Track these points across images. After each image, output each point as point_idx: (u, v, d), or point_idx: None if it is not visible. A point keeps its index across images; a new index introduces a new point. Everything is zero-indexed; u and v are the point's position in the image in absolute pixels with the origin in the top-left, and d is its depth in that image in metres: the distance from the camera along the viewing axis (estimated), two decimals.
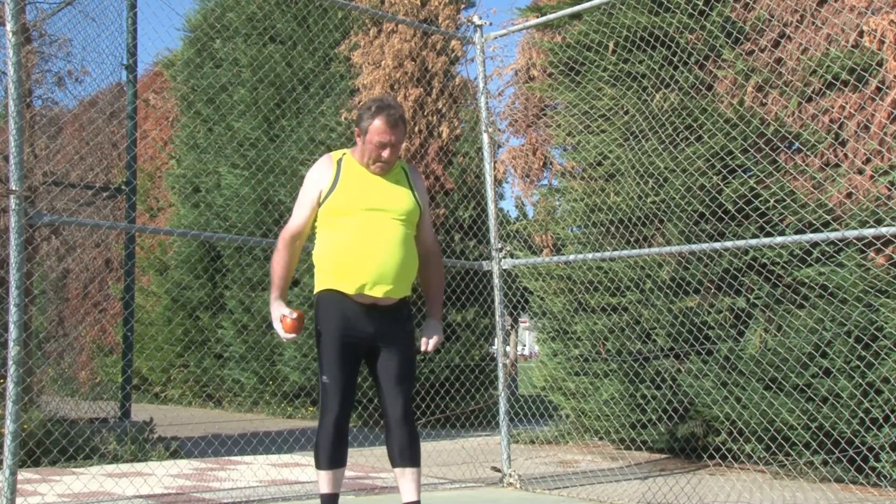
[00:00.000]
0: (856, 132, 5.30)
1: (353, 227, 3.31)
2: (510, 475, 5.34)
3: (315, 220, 3.43)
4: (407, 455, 3.32)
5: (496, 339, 6.70)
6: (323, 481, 3.32)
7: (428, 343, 3.48)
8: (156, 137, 13.17)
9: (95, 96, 7.23)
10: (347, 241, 3.31)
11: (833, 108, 5.39)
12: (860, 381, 5.03)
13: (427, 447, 6.31)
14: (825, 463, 5.31)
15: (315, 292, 3.41)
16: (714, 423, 6.00)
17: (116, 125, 7.36)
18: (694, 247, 5.04)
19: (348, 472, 5.73)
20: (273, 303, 3.40)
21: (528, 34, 8.00)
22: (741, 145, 5.78)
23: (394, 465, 3.36)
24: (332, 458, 3.30)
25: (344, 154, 3.48)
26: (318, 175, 3.41)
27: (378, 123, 3.32)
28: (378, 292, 3.29)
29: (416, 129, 9.20)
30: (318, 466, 3.32)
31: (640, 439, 6.44)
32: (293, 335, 3.35)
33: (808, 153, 5.54)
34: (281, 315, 3.35)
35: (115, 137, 7.46)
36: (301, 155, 9.70)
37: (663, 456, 6.49)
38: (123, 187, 6.99)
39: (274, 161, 9.90)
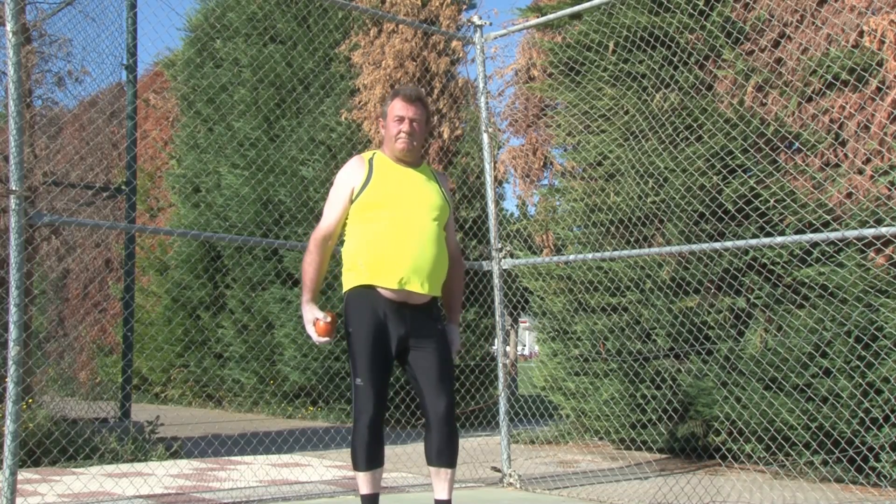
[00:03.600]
0: (856, 132, 5.30)
1: (389, 219, 3.30)
2: (510, 475, 5.34)
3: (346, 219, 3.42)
4: (445, 455, 3.32)
5: (496, 339, 6.70)
6: (362, 482, 3.31)
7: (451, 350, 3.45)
8: (156, 137, 13.17)
9: (95, 96, 7.22)
10: (384, 232, 3.28)
11: (833, 108, 5.39)
12: (860, 381, 5.03)
13: None
14: (825, 463, 5.31)
15: (344, 291, 3.37)
16: (714, 423, 6.00)
17: (116, 125, 7.36)
18: (694, 247, 5.04)
19: (348, 472, 5.72)
20: (305, 305, 3.38)
21: (528, 34, 8.00)
22: (741, 145, 5.78)
23: (430, 463, 3.35)
24: (370, 458, 3.28)
25: (374, 153, 3.49)
26: (349, 173, 3.42)
27: (395, 101, 3.42)
28: (416, 286, 3.27)
29: None
30: (356, 468, 3.30)
31: (641, 439, 6.44)
32: (326, 338, 3.32)
33: (808, 153, 5.54)
34: (314, 318, 3.33)
35: (115, 137, 7.46)
36: (301, 155, 9.70)
37: (663, 456, 6.49)
38: (123, 187, 6.99)
39: (274, 161, 9.90)
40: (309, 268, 3.39)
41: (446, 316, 3.58)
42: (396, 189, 3.36)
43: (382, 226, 3.29)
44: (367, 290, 3.30)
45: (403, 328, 3.29)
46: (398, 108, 3.41)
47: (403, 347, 3.32)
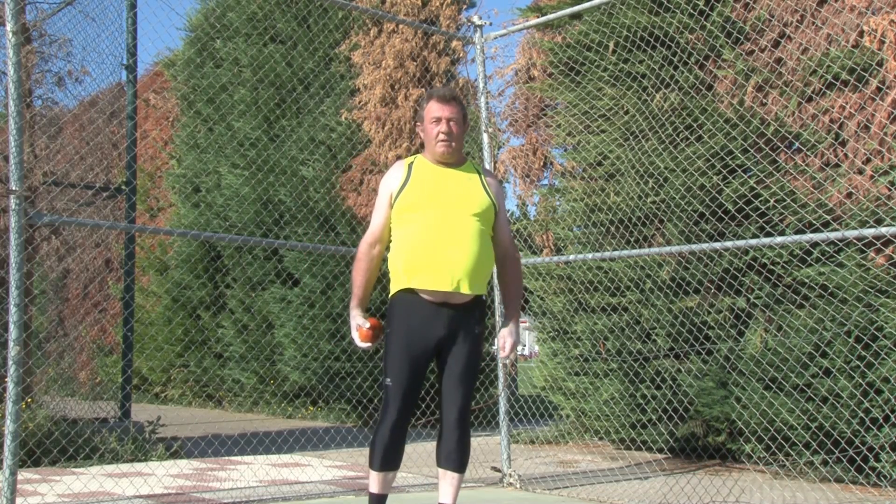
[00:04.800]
0: (856, 132, 5.30)
1: (424, 221, 3.29)
2: (510, 475, 5.34)
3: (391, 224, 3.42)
4: (453, 459, 3.32)
5: (496, 339, 6.69)
6: (373, 481, 3.32)
7: (506, 347, 3.43)
8: (156, 137, 13.17)
9: (95, 96, 7.22)
10: (419, 234, 3.28)
11: (833, 108, 5.39)
12: (860, 381, 5.03)
13: (427, 447, 6.32)
14: (825, 463, 5.31)
15: (390, 295, 3.39)
16: (714, 423, 6.00)
17: (116, 125, 7.36)
18: (694, 247, 5.04)
19: (348, 472, 5.73)
20: (352, 311, 3.40)
21: (528, 34, 8.00)
22: (741, 145, 5.77)
23: (439, 464, 3.35)
24: (386, 460, 3.29)
25: (416, 157, 3.49)
26: (388, 179, 3.43)
27: (431, 104, 3.41)
28: (447, 286, 3.24)
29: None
30: (371, 466, 3.31)
31: (640, 439, 6.44)
32: (369, 344, 3.35)
33: (808, 153, 5.54)
34: (357, 324, 3.35)
35: (115, 137, 7.46)
36: (301, 155, 9.70)
37: (663, 456, 6.49)
38: (123, 187, 6.99)
39: (274, 161, 9.90)
40: (356, 275, 3.42)
41: (504, 314, 3.56)
42: (433, 190, 3.36)
43: (417, 227, 3.29)
44: (409, 294, 3.31)
45: (443, 330, 3.29)
46: (434, 109, 3.39)
47: (441, 348, 3.32)
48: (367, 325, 3.33)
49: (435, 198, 3.33)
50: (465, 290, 3.27)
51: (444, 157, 3.41)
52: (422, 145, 3.53)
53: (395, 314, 3.33)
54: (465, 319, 3.32)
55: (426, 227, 3.28)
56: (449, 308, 3.29)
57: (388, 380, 3.27)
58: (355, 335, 3.37)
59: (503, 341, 3.43)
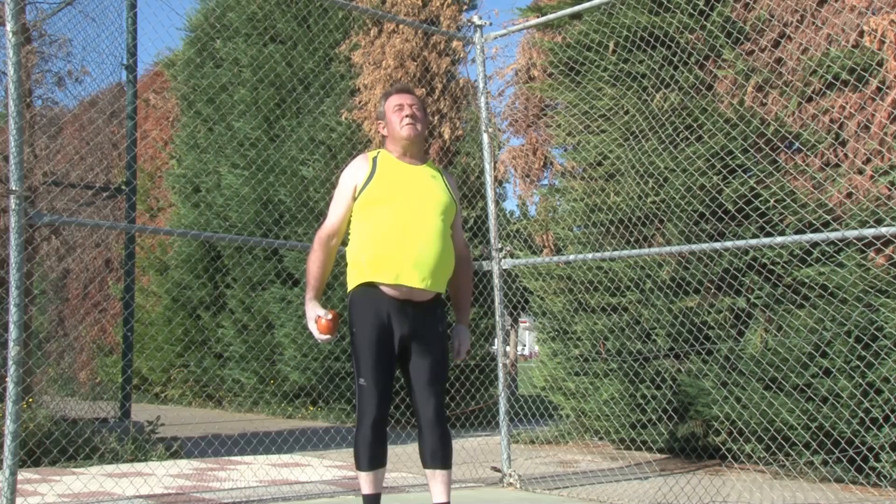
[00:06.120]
0: (856, 132, 5.30)
1: (391, 215, 3.29)
2: (510, 475, 5.34)
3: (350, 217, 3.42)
4: (438, 457, 3.31)
5: (496, 339, 6.70)
6: (364, 482, 3.31)
7: (460, 351, 3.45)
8: (156, 137, 13.17)
9: (95, 96, 7.22)
10: (387, 228, 3.28)
11: (833, 108, 5.39)
12: (860, 381, 5.03)
13: None
14: (825, 463, 5.31)
15: (349, 290, 3.37)
16: (714, 423, 6.00)
17: (116, 125, 7.35)
18: (694, 247, 5.04)
19: (348, 472, 5.73)
20: (308, 303, 3.38)
21: (528, 34, 8.00)
22: (741, 145, 5.77)
23: (425, 466, 3.35)
24: (372, 459, 3.28)
25: (379, 151, 3.50)
26: (353, 171, 3.43)
27: (390, 98, 3.50)
28: (416, 282, 3.24)
29: None
30: (359, 468, 3.30)
31: (641, 439, 6.44)
32: (328, 336, 3.32)
33: (808, 153, 5.54)
34: (316, 316, 3.33)
35: (115, 137, 7.46)
36: (301, 155, 9.70)
37: (663, 456, 6.49)
38: (123, 187, 6.99)
39: (274, 161, 9.90)
40: (312, 266, 3.39)
41: (454, 317, 3.57)
42: (399, 185, 3.36)
43: (384, 221, 3.29)
44: (370, 289, 3.29)
45: (406, 327, 3.28)
46: (394, 99, 3.47)
47: (403, 346, 3.31)
48: (329, 315, 3.30)
49: (401, 193, 3.34)
50: (430, 286, 3.28)
51: (410, 139, 3.43)
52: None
53: (357, 311, 3.30)
54: (429, 318, 3.33)
55: (392, 223, 3.28)
56: (411, 305, 3.29)
57: (362, 380, 3.25)
58: (313, 327, 3.34)
59: (458, 343, 3.45)
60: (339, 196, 3.43)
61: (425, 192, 3.38)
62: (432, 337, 3.34)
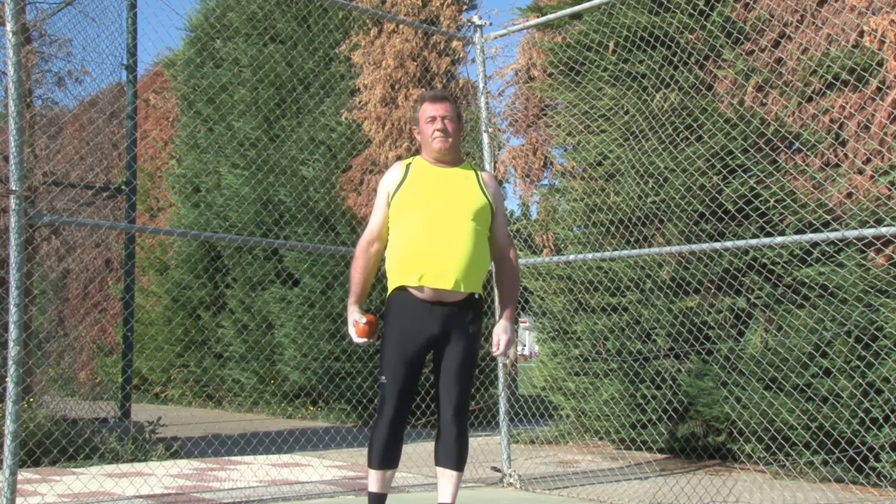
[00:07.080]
0: (856, 132, 5.30)
1: (420, 218, 3.33)
2: (510, 475, 5.34)
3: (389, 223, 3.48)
4: (451, 457, 3.35)
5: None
6: (372, 480, 3.33)
7: (500, 345, 3.44)
8: (156, 137, 13.17)
9: (95, 96, 7.22)
10: (414, 231, 3.32)
11: (833, 108, 5.39)
12: (860, 381, 5.03)
13: (426, 447, 6.31)
14: (825, 463, 5.31)
15: (388, 294, 3.43)
16: (714, 423, 6.00)
17: (116, 125, 7.36)
18: (694, 247, 5.04)
19: (348, 472, 5.73)
20: (349, 307, 3.46)
21: (528, 34, 7.99)
22: (741, 145, 5.78)
23: (437, 463, 3.37)
24: (384, 458, 3.30)
25: (414, 158, 3.55)
26: (387, 178, 3.50)
27: (424, 105, 3.50)
28: (439, 283, 3.26)
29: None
30: (370, 465, 3.32)
31: (641, 439, 6.44)
32: (365, 339, 3.39)
33: (808, 153, 5.54)
34: (354, 320, 3.40)
35: (115, 137, 7.46)
36: (301, 155, 9.70)
37: (663, 456, 6.49)
38: (123, 187, 6.99)
39: (274, 161, 9.90)
40: (354, 272, 3.48)
41: (499, 312, 3.58)
42: (430, 188, 3.40)
43: (412, 225, 3.33)
44: (403, 292, 3.34)
45: (436, 329, 3.31)
46: (429, 109, 3.48)
47: (436, 347, 3.35)
48: (364, 320, 3.37)
49: (430, 196, 3.37)
50: (457, 287, 3.29)
51: (441, 153, 3.45)
52: (418, 150, 3.58)
53: (390, 313, 3.37)
54: (460, 318, 3.34)
55: (420, 226, 3.32)
56: (442, 306, 3.31)
57: (384, 378, 3.30)
58: (352, 330, 3.41)
59: (497, 339, 3.44)
60: (376, 203, 3.51)
61: (456, 193, 3.40)
62: (462, 337, 3.35)
